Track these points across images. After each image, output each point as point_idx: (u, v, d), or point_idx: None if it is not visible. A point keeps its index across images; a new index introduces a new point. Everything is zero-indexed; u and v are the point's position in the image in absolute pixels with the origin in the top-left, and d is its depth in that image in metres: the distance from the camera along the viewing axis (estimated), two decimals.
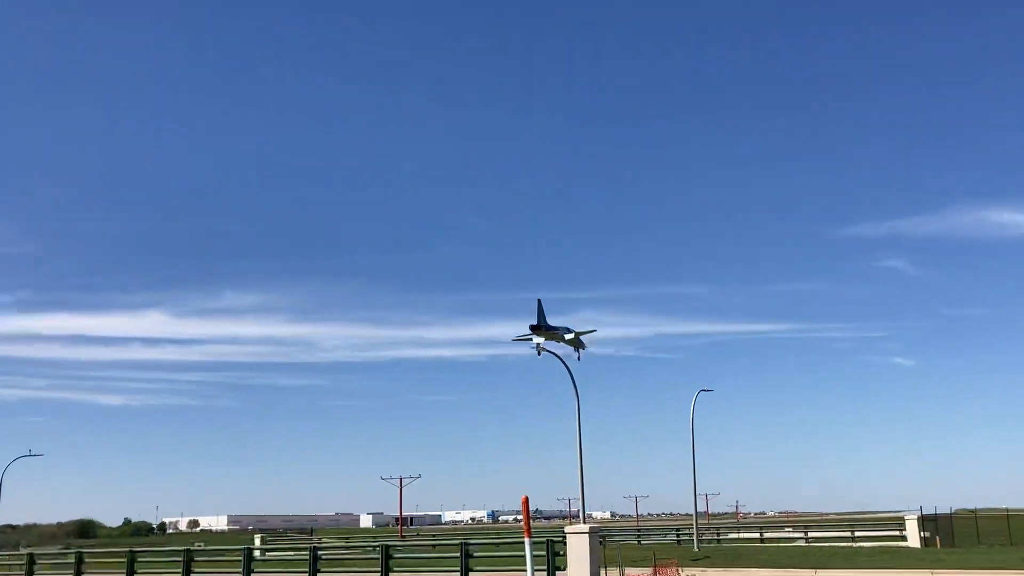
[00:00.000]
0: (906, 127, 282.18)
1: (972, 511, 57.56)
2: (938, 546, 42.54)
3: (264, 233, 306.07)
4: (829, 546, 45.38)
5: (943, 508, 48.41)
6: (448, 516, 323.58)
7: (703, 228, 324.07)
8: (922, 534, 43.87)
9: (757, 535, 57.42)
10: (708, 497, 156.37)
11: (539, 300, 34.49)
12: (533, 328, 34.32)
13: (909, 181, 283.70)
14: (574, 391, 34.63)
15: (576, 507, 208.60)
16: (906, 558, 33.74)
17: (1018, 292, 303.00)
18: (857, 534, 51.91)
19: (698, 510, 46.24)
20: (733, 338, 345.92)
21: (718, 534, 60.08)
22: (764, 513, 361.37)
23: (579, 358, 36.96)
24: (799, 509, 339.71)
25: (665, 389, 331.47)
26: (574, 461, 34.02)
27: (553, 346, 34.18)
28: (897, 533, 47.92)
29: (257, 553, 42.02)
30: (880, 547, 43.09)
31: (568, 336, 36.12)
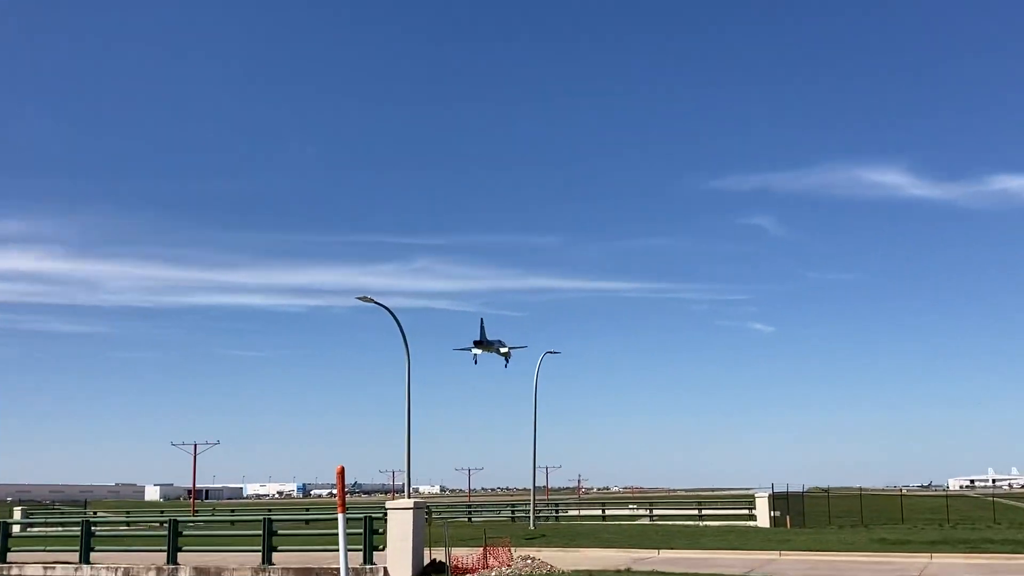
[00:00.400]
0: (782, 79, 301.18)
1: (824, 490, 63.59)
2: (788, 526, 46.64)
3: (34, 145, 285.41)
4: (674, 524, 48.66)
5: (795, 486, 53.15)
6: (251, 489, 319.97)
7: (555, 174, 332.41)
8: (772, 513, 47.92)
9: (599, 512, 60.48)
10: (548, 471, 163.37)
11: (481, 319, 49.52)
12: (476, 343, 48.95)
13: (782, 134, 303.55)
14: (405, 351, 34.83)
15: (401, 481, 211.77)
16: (753, 537, 36.75)
17: (886, 257, 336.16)
18: (705, 512, 55.89)
19: (536, 485, 48.08)
20: (584, 296, 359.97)
21: (557, 511, 62.78)
22: (608, 489, 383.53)
23: (506, 366, 51.69)
24: (646, 485, 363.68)
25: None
26: (401, 430, 34.28)
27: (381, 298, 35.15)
28: (747, 512, 52.05)
29: (16, 529, 39.94)
30: (728, 526, 46.67)
31: (503, 350, 50.46)
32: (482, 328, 49.16)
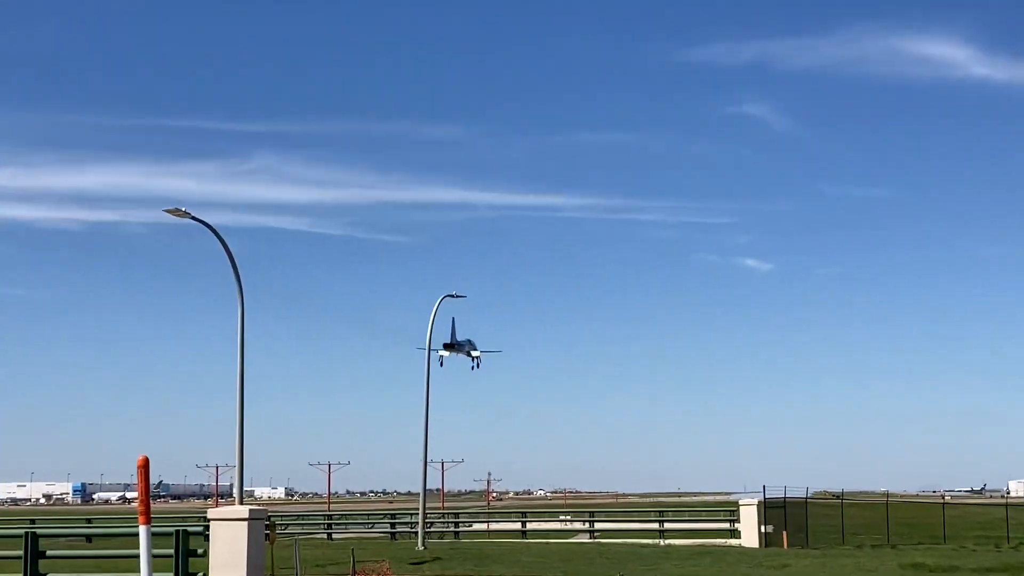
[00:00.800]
0: None
1: (836, 495, 65.88)
2: (784, 545, 48.28)
3: None
4: (626, 543, 49.90)
5: (795, 490, 54.92)
6: (2, 492, 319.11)
7: (464, 34, 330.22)
8: (763, 528, 49.50)
9: (518, 526, 61.59)
10: (445, 467, 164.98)
11: (453, 319, 56.89)
12: (446, 346, 55.39)
13: None
14: (238, 294, 34.43)
15: (228, 481, 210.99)
16: (736, 562, 37.90)
17: (935, 165, 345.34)
18: (669, 527, 57.48)
19: (428, 488, 48.56)
20: (503, 216, 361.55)
21: (457, 524, 63.76)
22: (530, 493, 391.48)
23: (473, 368, 59.49)
24: (585, 488, 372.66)
25: (390, 292, 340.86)
26: (229, 408, 34.07)
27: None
28: (727, 526, 53.65)
29: None
30: (701, 546, 48.04)
31: (475, 353, 58.22)
32: (453, 328, 57.00)
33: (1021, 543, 52.25)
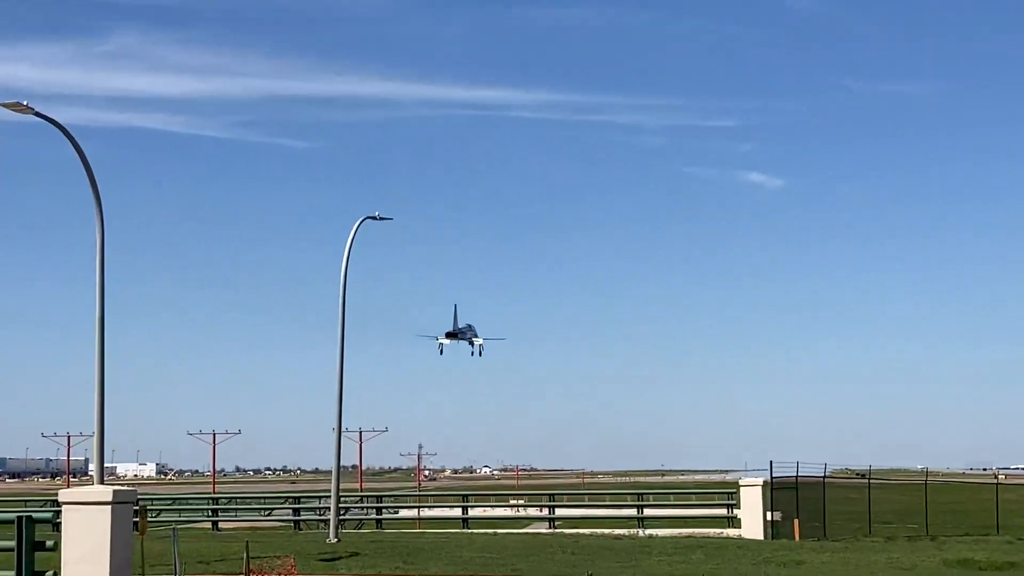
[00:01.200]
0: None
1: (860, 474, 66.83)
2: (796, 537, 48.94)
3: None
4: (596, 534, 50.38)
5: (809, 467, 55.62)
6: None
7: None
8: (770, 515, 50.07)
9: (457, 512, 61.94)
10: (364, 438, 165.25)
11: (455, 306, 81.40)
12: (449, 334, 79.75)
13: None
14: (96, 210, 34.11)
15: (81, 454, 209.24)
16: (735, 558, 38.39)
17: (995, 55, 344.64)
18: (651, 514, 58.08)
19: (342, 464, 48.72)
20: (437, 115, 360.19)
21: (379, 510, 64.04)
22: (472, 471, 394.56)
23: (474, 354, 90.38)
24: (542, 465, 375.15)
25: (290, 215, 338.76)
26: (84, 364, 33.87)
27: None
28: (725, 512, 54.30)
29: None
30: (691, 537, 48.56)
31: (477, 340, 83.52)
32: (455, 317, 76.59)
33: None
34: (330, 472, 48.55)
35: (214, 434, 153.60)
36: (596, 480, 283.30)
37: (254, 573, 27.17)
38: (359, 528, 59.45)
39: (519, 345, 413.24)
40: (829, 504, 55.55)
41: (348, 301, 46.82)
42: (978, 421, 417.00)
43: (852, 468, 75.11)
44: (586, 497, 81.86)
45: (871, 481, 63.64)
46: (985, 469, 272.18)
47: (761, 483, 51.28)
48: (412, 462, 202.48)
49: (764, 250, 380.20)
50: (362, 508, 66.52)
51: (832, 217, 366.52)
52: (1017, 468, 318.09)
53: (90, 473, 34.37)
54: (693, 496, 72.94)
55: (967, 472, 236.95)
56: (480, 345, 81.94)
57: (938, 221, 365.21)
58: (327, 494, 56.59)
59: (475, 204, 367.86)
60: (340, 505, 49.59)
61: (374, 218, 48.33)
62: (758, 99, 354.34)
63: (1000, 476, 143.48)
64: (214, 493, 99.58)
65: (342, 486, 49.63)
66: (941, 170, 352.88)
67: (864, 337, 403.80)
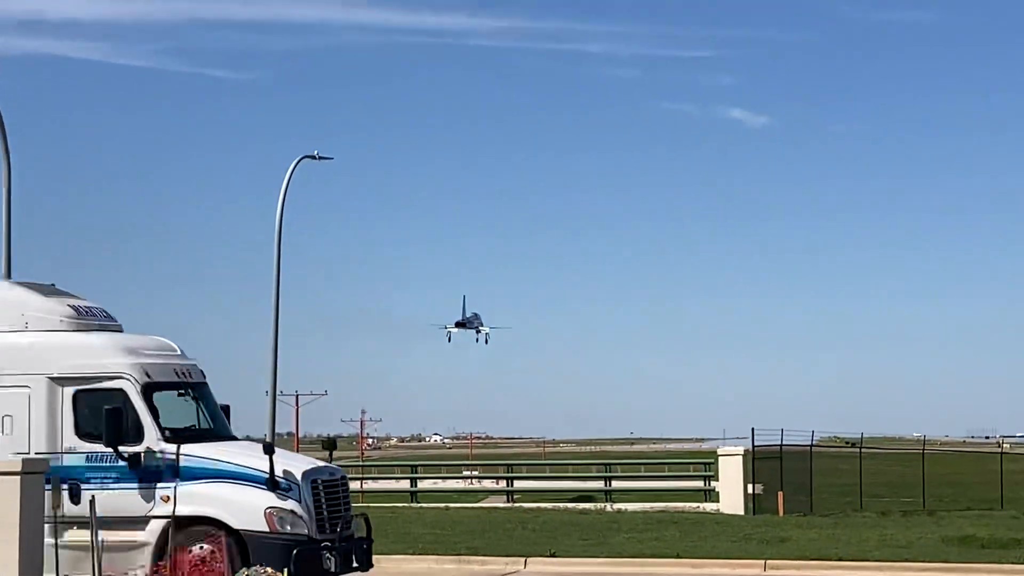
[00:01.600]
0: None
1: (850, 442, 67.16)
2: (781, 511, 49.21)
3: None
4: (559, 508, 50.60)
5: (795, 435, 55.85)
6: None
7: None
8: (751, 488, 50.31)
9: (405, 484, 62.07)
10: (300, 402, 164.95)
11: (464, 296, 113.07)
12: (458, 324, 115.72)
13: None
14: (2, 157, 34.00)
15: None
16: (713, 534, 38.68)
17: None
18: (620, 485, 58.46)
19: (276, 432, 48.75)
20: (384, 43, 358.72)
21: None
22: (422, 439, 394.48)
23: (486, 342, 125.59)
24: (499, 433, 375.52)
25: (221, 153, 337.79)
26: None
27: None
28: (702, 484, 54.58)
29: None
30: (665, 511, 48.78)
31: (484, 329, 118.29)
32: (464, 307, 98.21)
33: None
34: (262, 441, 48.51)
35: None
36: (558, 449, 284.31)
37: (181, 550, 27.03)
38: None
39: (474, 303, 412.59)
40: (816, 476, 55.85)
41: (290, 251, 46.73)
42: (981, 385, 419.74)
43: (842, 436, 75.39)
44: (547, 468, 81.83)
45: (863, 450, 64.00)
46: (988, 437, 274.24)
47: (742, 452, 51.47)
48: (354, 429, 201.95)
49: (745, 194, 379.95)
50: None
51: (821, 159, 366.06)
52: (1023, 436, 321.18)
53: None
54: (666, 467, 73.51)
55: (968, 440, 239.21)
56: (486, 333, 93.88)
57: (939, 164, 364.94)
58: None
59: (426, 142, 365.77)
60: None
61: (312, 157, 48.19)
62: (740, 28, 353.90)
63: (1004, 445, 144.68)
64: None
65: None
66: (943, 108, 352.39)
67: (855, 292, 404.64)
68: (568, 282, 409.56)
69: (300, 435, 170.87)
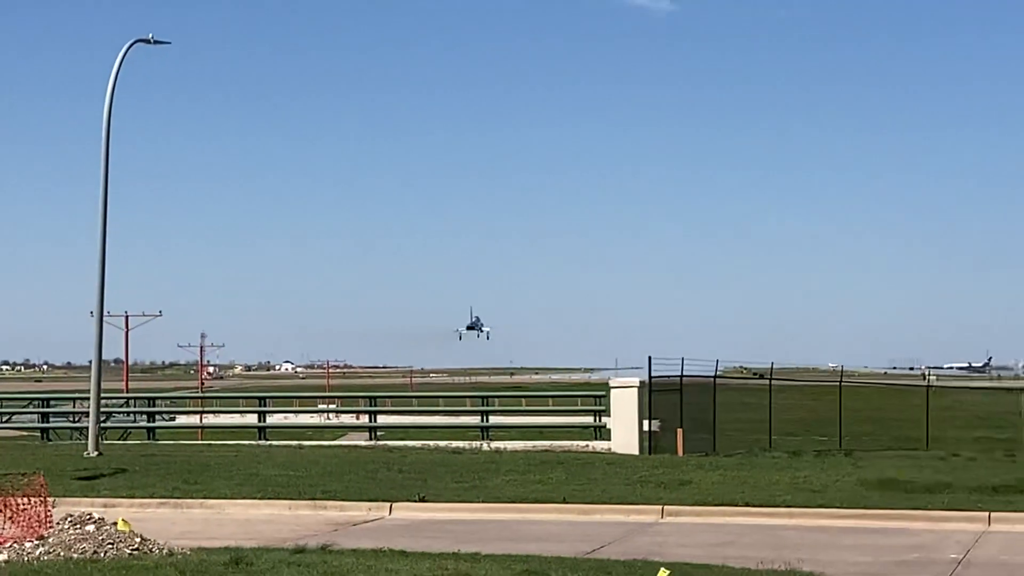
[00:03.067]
0: None
1: (759, 372, 67.75)
2: (680, 451, 49.71)
3: None
4: (428, 447, 50.76)
5: (696, 366, 56.26)
6: None
7: None
8: (646, 425, 50.66)
9: (253, 419, 62.02)
10: (130, 324, 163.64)
11: (471, 307, 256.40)
12: (469, 327, 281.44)
13: None
14: None
15: None
16: (605, 477, 39.11)
17: None
18: (498, 421, 58.97)
19: (104, 358, 48.42)
20: None
21: (151, 416, 63.80)
22: (272, 367, 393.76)
23: (488, 338, 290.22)
24: (358, 362, 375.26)
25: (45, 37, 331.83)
26: None
27: None
28: (592, 420, 54.94)
29: None
30: (547, 451, 49.07)
31: (486, 329, 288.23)
32: (471, 313, 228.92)
33: None
34: (87, 368, 48.22)
35: None
36: (428, 380, 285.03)
37: None
38: (125, 438, 59.18)
39: (330, 215, 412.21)
40: (721, 411, 56.36)
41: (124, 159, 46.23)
42: (904, 311, 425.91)
43: (749, 367, 76.00)
44: (415, 401, 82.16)
45: (773, 383, 64.55)
46: (912, 369, 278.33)
47: (637, 384, 51.69)
48: (193, 356, 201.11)
49: (646, 92, 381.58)
50: (129, 413, 66.24)
51: (734, 52, 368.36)
52: (951, 368, 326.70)
53: None
54: (551, 400, 73.77)
55: (890, 372, 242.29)
56: (487, 332, 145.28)
57: (870, 60, 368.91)
58: (84, 395, 56.15)
59: (253, 19, 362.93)
60: (101, 410, 49.28)
61: (147, 41, 47.56)
62: None
63: (931, 378, 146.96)
64: None
65: (104, 385, 49.26)
66: (859, 8, 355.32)
67: (765, 205, 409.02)
68: (448, 186, 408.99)
69: (131, 362, 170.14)
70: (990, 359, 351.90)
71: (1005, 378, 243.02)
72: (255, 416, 62.11)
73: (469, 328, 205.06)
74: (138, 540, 23.42)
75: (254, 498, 34.36)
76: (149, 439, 58.28)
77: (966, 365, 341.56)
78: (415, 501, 34.03)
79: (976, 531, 30.13)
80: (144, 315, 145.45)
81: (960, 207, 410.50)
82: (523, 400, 79.68)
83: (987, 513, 31.59)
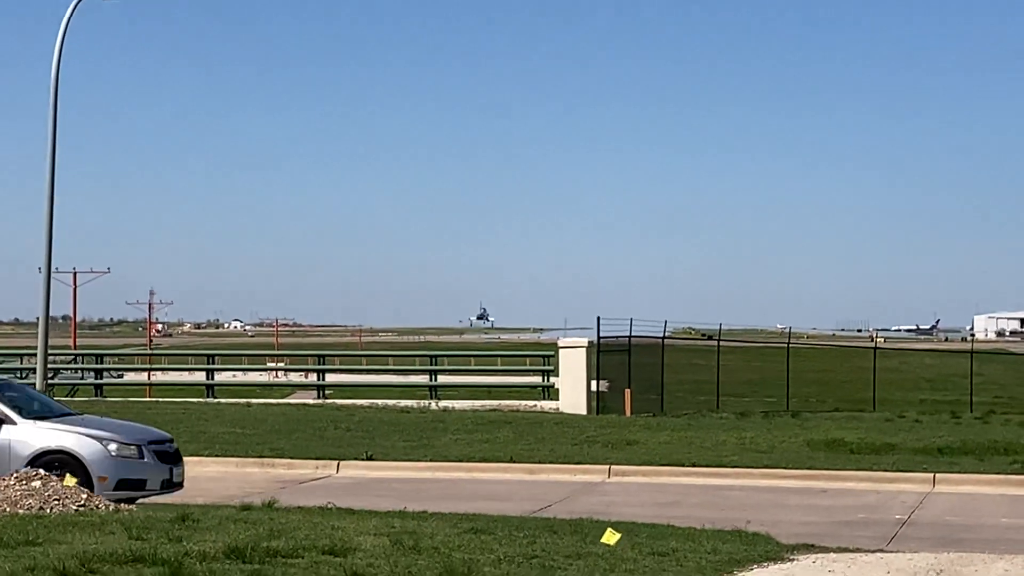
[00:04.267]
0: None
1: (708, 334, 68.09)
2: (628, 411, 49.80)
3: None
4: (376, 406, 50.80)
5: (647, 325, 56.42)
6: None
7: None
8: (595, 385, 50.74)
9: (201, 376, 61.97)
10: (78, 280, 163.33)
11: (480, 301, 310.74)
12: (479, 317, 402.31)
13: None
14: None
15: None
16: (552, 435, 39.30)
17: None
18: (446, 380, 59.55)
19: (51, 314, 48.16)
20: None
21: (99, 373, 63.68)
22: (221, 326, 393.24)
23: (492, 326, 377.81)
24: (309, 320, 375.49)
25: None
26: None
27: None
28: (540, 380, 55.03)
29: None
30: (495, 410, 49.13)
31: (491, 319, 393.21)
32: (480, 306, 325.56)
33: (991, 410, 55.02)
34: (34, 324, 48.02)
35: None
36: (377, 339, 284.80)
37: None
38: (73, 395, 58.97)
39: (268, 170, 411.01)
40: (668, 372, 56.43)
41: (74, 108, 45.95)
42: (854, 273, 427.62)
43: (697, 328, 76.29)
44: (364, 360, 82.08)
45: (720, 344, 64.77)
46: (860, 331, 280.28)
47: (585, 345, 51.77)
48: (141, 313, 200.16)
49: (586, 50, 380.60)
50: (76, 370, 65.97)
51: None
52: (899, 330, 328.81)
53: None
54: (500, 360, 73.87)
55: (838, 334, 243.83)
56: (492, 322, 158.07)
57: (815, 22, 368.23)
58: (32, 351, 55.88)
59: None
60: (48, 366, 49.07)
61: None
62: None
63: (878, 339, 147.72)
64: None
65: (51, 342, 49.06)
66: None
67: (714, 169, 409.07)
68: (397, 147, 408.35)
69: (79, 319, 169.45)
70: (937, 322, 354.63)
71: (952, 340, 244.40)
72: (204, 374, 62.01)
73: (479, 318, 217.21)
74: (84, 496, 23.34)
75: (202, 455, 34.22)
76: (97, 396, 58.13)
77: (914, 327, 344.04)
78: (363, 459, 34.11)
79: (921, 492, 30.39)
80: (93, 272, 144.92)
81: (910, 173, 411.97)
82: (472, 360, 79.65)
83: (932, 474, 31.86)
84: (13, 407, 26.24)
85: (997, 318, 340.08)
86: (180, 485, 26.61)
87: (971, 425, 46.25)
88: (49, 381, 49.37)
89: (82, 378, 63.37)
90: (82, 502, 23.00)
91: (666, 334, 58.20)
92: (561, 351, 52.62)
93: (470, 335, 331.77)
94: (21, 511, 22.25)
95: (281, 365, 74.81)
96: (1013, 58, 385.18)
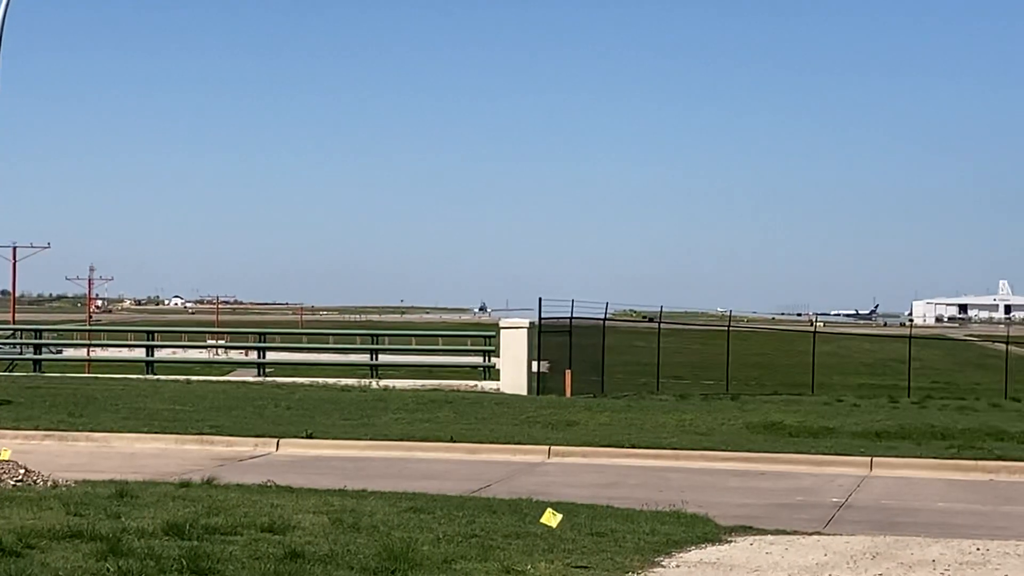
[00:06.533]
0: None
1: (648, 316, 68.17)
2: (568, 392, 49.90)
3: None
4: (316, 384, 50.75)
5: (588, 307, 56.55)
6: None
7: None
8: (536, 365, 50.75)
9: (141, 353, 61.73)
10: (18, 255, 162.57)
11: (482, 300, 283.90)
12: (480, 309, 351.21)
13: None
14: None
15: None
16: (493, 415, 39.40)
17: None
18: (387, 360, 59.37)
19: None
20: None
21: (38, 349, 63.41)
22: (161, 302, 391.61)
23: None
24: (249, 298, 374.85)
25: None
26: None
27: None
28: (480, 360, 55.09)
29: None
30: (435, 390, 49.15)
31: (489, 308, 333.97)
32: (482, 302, 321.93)
33: (928, 395, 55.43)
34: None
35: None
36: (318, 318, 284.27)
37: None
38: (11, 370, 58.68)
39: (212, 142, 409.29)
40: (609, 353, 56.64)
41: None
42: (794, 257, 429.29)
43: (638, 310, 76.40)
44: (305, 338, 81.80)
45: (661, 326, 64.97)
46: (800, 315, 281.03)
47: (526, 325, 51.79)
48: (81, 289, 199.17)
49: (527, 27, 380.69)
50: (15, 345, 65.64)
51: None
52: (838, 314, 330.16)
53: None
54: (441, 339, 73.98)
55: (778, 318, 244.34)
56: (489, 312, 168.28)
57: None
58: None
59: None
60: None
61: None
62: None
63: (818, 324, 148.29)
64: None
65: None
66: None
67: (653, 153, 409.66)
68: (336, 120, 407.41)
69: (18, 293, 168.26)
70: (876, 307, 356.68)
71: (891, 326, 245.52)
72: (143, 350, 61.68)
73: (481, 310, 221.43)
74: (22, 472, 23.24)
75: (140, 432, 34.19)
76: (35, 371, 57.83)
77: (853, 312, 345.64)
78: (302, 437, 34.03)
79: (858, 475, 30.50)
80: (32, 246, 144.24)
81: (850, 158, 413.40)
82: (413, 339, 79.76)
83: (869, 458, 31.95)
84: None
85: (936, 304, 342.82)
86: None
87: (909, 409, 46.52)
88: None
89: (20, 353, 63.04)
90: (20, 477, 22.90)
91: (607, 316, 58.34)
92: (502, 331, 52.57)
93: (412, 314, 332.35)
94: None
95: (221, 343, 74.47)
96: (942, 34, 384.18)
